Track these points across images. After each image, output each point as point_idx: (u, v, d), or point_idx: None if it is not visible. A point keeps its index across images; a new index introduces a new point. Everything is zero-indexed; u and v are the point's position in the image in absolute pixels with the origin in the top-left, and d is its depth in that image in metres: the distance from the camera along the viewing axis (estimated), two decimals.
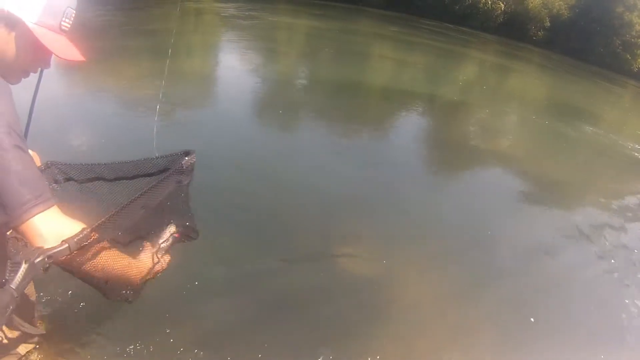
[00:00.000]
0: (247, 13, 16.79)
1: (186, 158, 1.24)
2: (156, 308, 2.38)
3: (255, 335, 2.45)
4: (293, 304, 2.80)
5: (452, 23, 28.31)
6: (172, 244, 1.28)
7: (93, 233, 1.01)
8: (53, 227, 1.02)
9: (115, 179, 1.28)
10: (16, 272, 0.89)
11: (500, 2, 29.61)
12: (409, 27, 22.71)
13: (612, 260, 4.24)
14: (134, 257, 1.18)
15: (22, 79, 1.22)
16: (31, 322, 1.59)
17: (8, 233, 0.98)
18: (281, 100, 7.33)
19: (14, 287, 0.89)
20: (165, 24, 11.35)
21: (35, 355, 1.94)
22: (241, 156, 4.73)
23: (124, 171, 1.28)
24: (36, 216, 1.00)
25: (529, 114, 10.58)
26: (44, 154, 1.45)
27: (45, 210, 1.02)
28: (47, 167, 1.30)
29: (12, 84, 1.18)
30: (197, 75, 7.98)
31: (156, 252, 1.20)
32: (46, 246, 0.98)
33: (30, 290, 1.65)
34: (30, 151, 1.37)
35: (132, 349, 2.17)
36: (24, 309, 1.47)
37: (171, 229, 1.26)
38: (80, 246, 0.98)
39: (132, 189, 1.21)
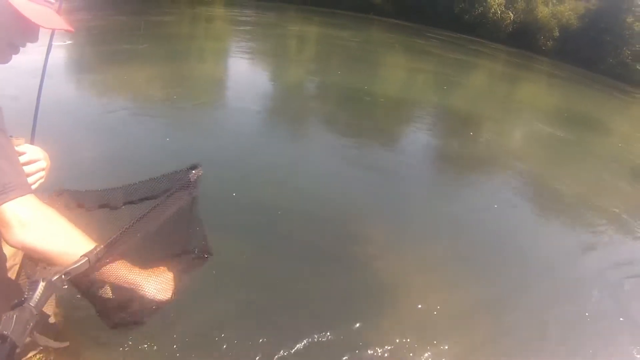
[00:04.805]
0: (257, 20, 16.93)
1: (192, 172, 1.22)
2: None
3: (267, 335, 2.51)
4: (303, 305, 2.87)
5: (461, 32, 28.35)
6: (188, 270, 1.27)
7: (109, 248, 0.99)
8: (21, 213, 0.98)
9: (124, 204, 1.28)
10: (34, 290, 0.90)
11: (510, 12, 29.61)
12: (418, 36, 22.81)
13: (623, 271, 4.24)
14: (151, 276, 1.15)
15: (12, 55, 1.17)
16: (54, 335, 1.60)
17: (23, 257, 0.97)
18: (291, 107, 7.40)
19: (32, 305, 0.91)
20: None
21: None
22: (251, 161, 4.83)
23: (131, 195, 1.27)
24: (4, 204, 0.97)
25: (539, 123, 10.55)
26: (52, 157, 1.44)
27: (15, 198, 0.99)
28: (59, 194, 1.30)
29: (1, 63, 1.15)
30: (206, 81, 8.05)
31: (174, 276, 1.18)
32: (12, 233, 0.96)
33: (51, 304, 1.66)
34: (31, 146, 1.34)
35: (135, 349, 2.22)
36: (46, 323, 1.47)
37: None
38: (98, 260, 0.97)
39: (140, 211, 1.19)
